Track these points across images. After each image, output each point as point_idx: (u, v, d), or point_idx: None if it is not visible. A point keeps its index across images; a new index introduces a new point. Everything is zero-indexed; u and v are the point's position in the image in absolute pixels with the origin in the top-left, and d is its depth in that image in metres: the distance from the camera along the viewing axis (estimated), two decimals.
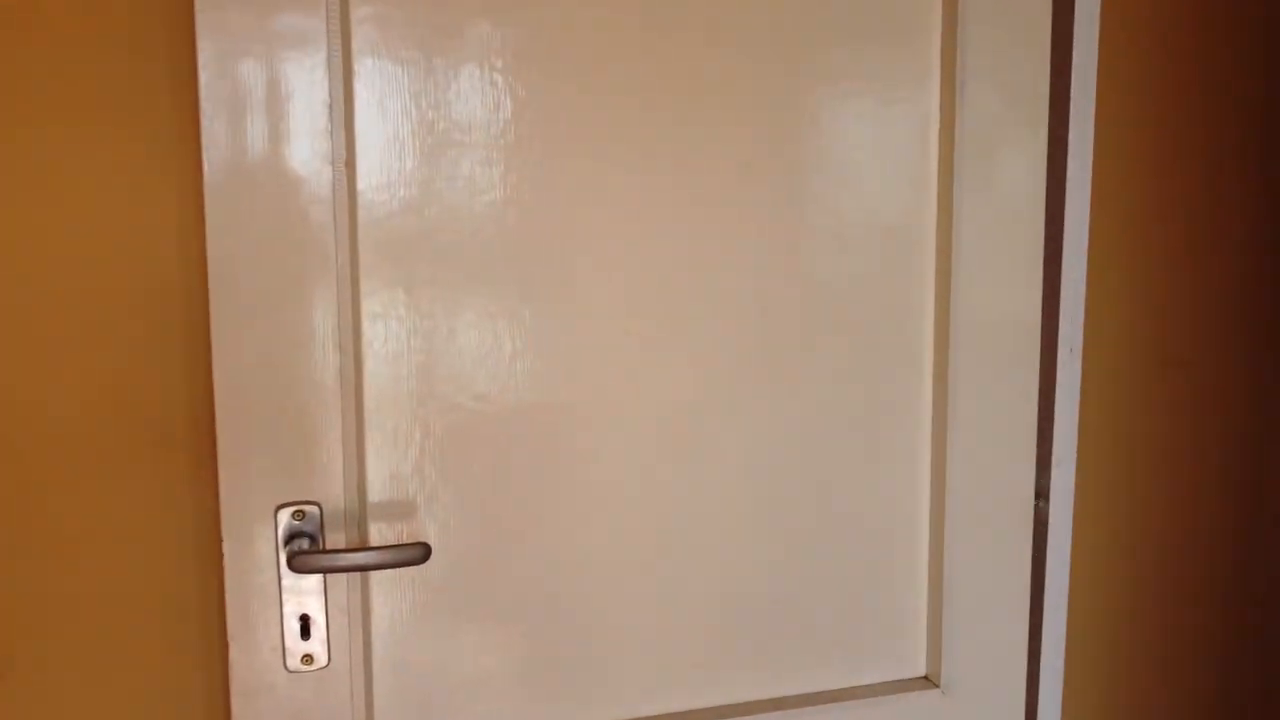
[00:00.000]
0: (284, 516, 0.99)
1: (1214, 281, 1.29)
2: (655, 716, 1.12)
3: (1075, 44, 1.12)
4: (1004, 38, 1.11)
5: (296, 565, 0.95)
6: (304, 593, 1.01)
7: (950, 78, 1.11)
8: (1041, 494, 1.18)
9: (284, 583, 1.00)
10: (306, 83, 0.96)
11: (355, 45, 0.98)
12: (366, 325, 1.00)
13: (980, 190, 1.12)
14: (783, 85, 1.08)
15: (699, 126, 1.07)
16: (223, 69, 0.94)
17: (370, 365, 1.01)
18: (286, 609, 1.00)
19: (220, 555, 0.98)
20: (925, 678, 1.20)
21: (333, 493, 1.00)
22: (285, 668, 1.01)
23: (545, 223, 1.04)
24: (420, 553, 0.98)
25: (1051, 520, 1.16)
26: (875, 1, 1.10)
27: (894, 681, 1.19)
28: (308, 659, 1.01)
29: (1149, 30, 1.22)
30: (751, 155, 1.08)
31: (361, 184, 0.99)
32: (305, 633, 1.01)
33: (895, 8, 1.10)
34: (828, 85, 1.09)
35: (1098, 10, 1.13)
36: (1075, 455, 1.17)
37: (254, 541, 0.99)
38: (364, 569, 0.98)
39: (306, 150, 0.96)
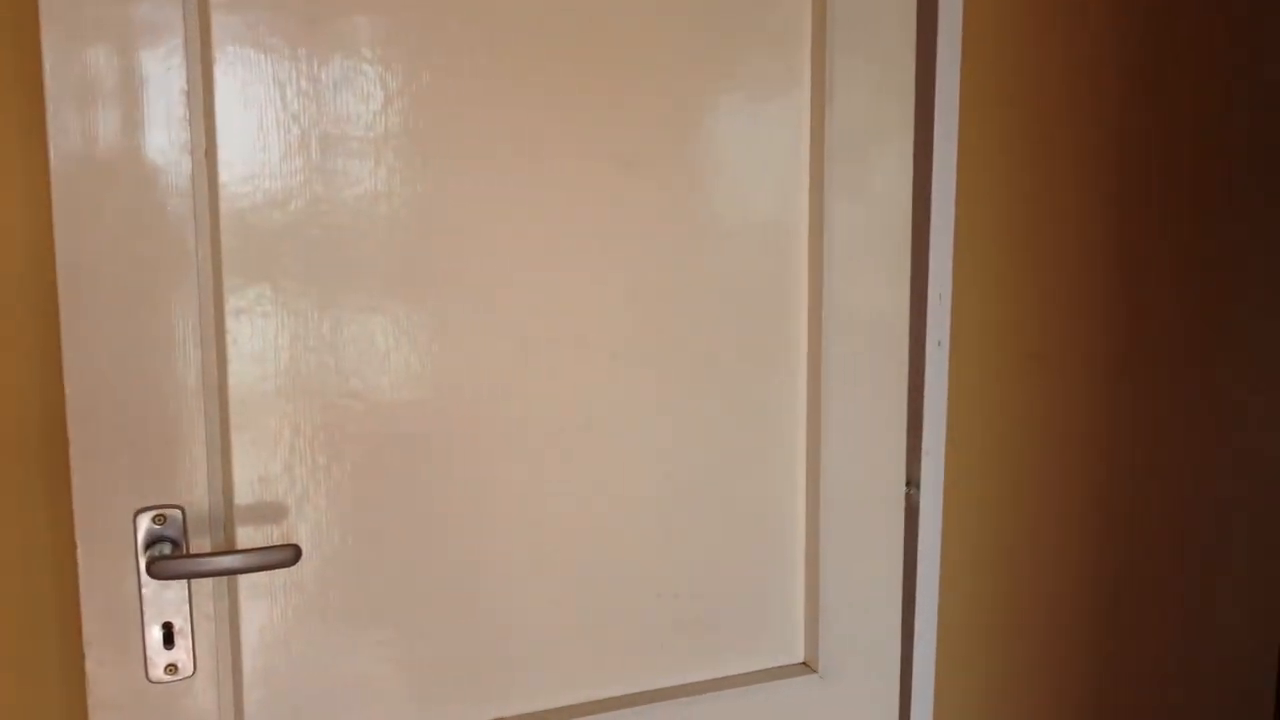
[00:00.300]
0: (144, 521, 0.95)
1: (1074, 279, 1.35)
2: (535, 713, 1.11)
3: (939, 48, 1.16)
4: (870, 42, 1.13)
5: (156, 571, 0.92)
6: (167, 600, 0.97)
7: (820, 81, 1.12)
8: (912, 482, 1.21)
9: (145, 590, 0.96)
10: (162, 69, 0.92)
11: (215, 31, 0.94)
12: (231, 322, 0.97)
13: (850, 190, 1.14)
14: (663, 84, 1.09)
15: (578, 122, 1.06)
16: (70, 54, 0.89)
17: (235, 363, 0.97)
18: (147, 617, 0.96)
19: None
20: (804, 663, 1.22)
21: (196, 496, 0.96)
22: (147, 678, 0.97)
23: (419, 217, 1.02)
24: (290, 555, 0.95)
25: (922, 507, 1.20)
26: (750, 5, 1.11)
27: (773, 668, 1.20)
28: (171, 668, 0.98)
29: (1011, 33, 1.27)
30: (631, 152, 1.08)
31: (224, 175, 0.96)
32: (169, 641, 0.97)
33: (769, 12, 1.12)
34: (706, 85, 1.10)
35: (960, 16, 1.17)
36: (944, 444, 1.21)
37: (112, 548, 0.94)
38: (229, 573, 0.95)
39: (163, 140, 0.93)
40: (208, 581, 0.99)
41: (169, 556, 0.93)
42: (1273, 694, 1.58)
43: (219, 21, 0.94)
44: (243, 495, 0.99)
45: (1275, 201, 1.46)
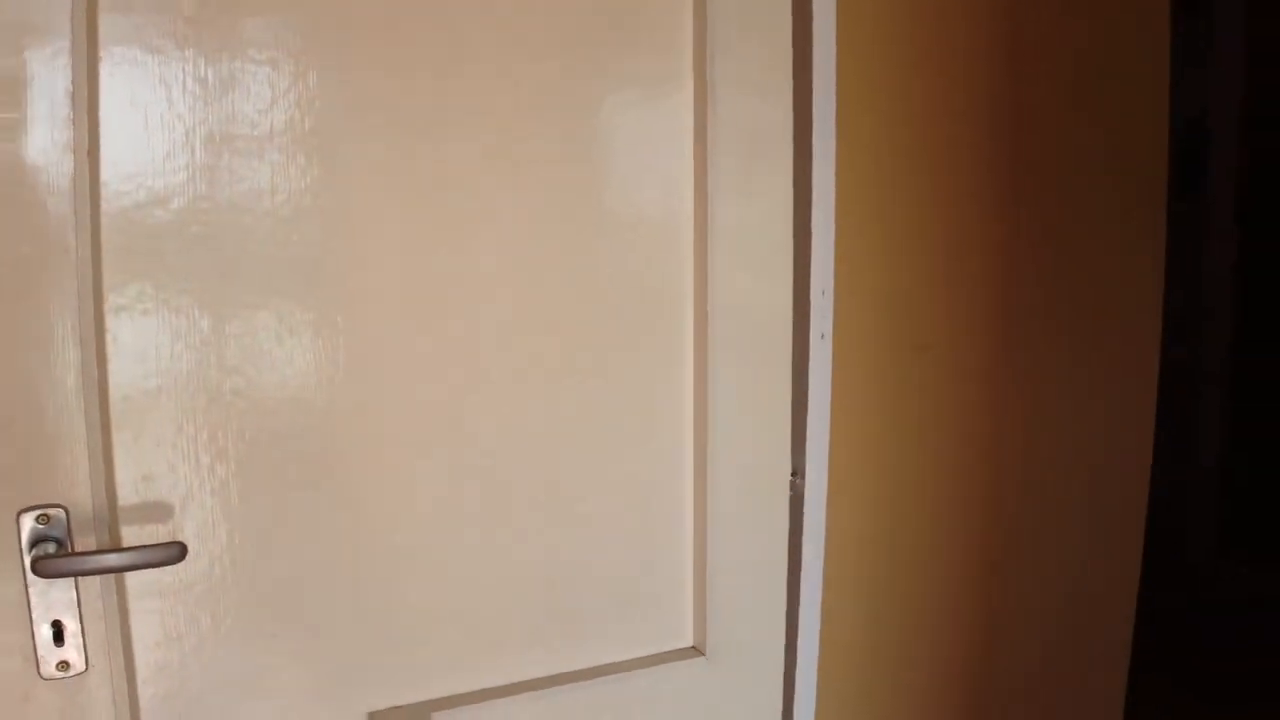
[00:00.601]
0: (27, 521, 0.95)
1: (959, 273, 1.39)
2: (427, 701, 1.13)
3: (815, 46, 1.18)
4: (749, 43, 1.16)
5: (41, 569, 0.92)
6: (55, 598, 0.97)
7: (702, 79, 1.15)
8: (797, 471, 1.24)
9: (31, 589, 0.96)
10: (48, 70, 0.92)
11: (102, 32, 0.95)
12: (111, 320, 0.97)
13: (733, 187, 1.17)
14: (552, 82, 1.10)
15: (465, 118, 1.07)
16: None
17: (116, 362, 0.98)
18: (36, 615, 0.96)
19: None
20: (693, 647, 1.24)
21: (79, 495, 0.96)
22: (40, 675, 0.97)
23: (304, 216, 1.03)
24: (176, 552, 0.96)
25: (807, 495, 1.23)
26: (636, 4, 1.13)
27: (663, 653, 1.23)
28: (63, 665, 0.98)
29: (886, 33, 1.30)
30: (520, 150, 1.10)
31: (106, 174, 0.96)
32: (59, 639, 0.98)
33: (653, 11, 1.14)
34: (595, 84, 1.12)
35: (833, 15, 1.20)
36: (828, 433, 1.25)
37: None
38: (114, 570, 0.95)
39: (45, 140, 0.93)
40: (96, 580, 0.99)
41: (53, 555, 0.93)
42: (1129, 651, 1.66)
43: (107, 21, 0.95)
44: (127, 494, 0.99)
45: (1139, 202, 1.53)
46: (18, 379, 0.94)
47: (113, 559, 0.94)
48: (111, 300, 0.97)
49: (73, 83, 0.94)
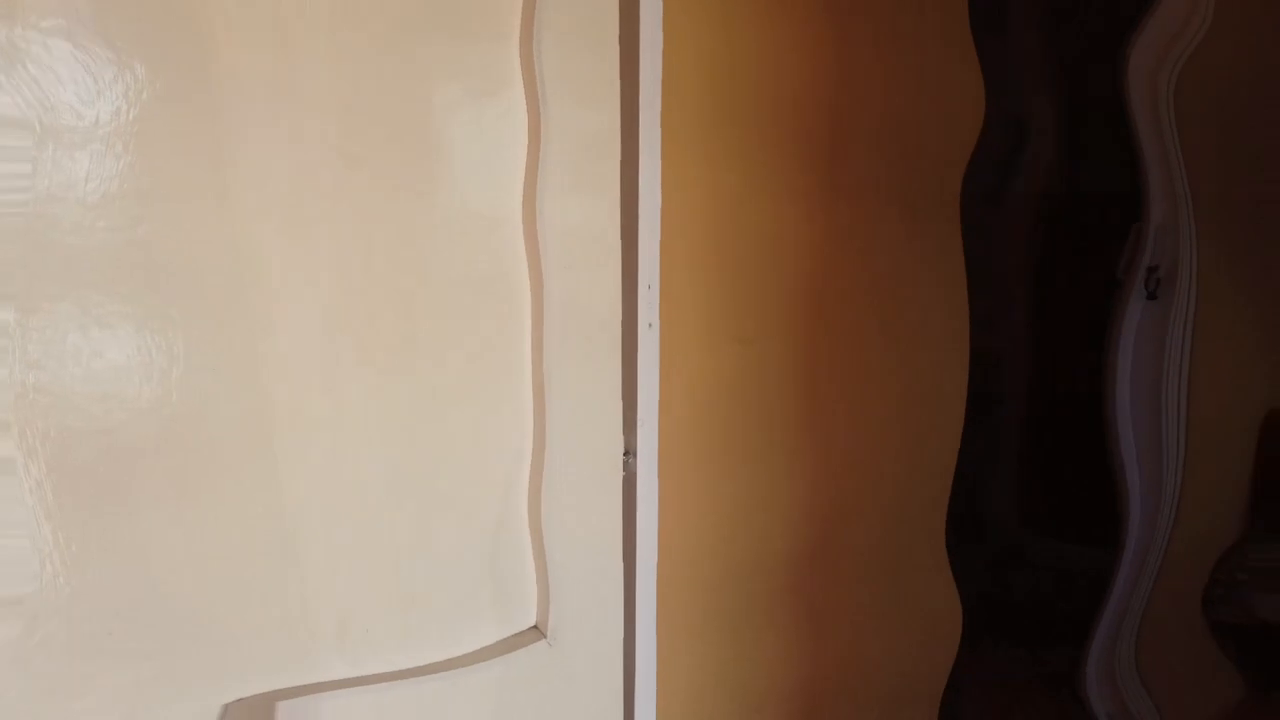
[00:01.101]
0: None
1: (778, 274, 1.50)
2: (273, 692, 1.12)
3: (642, 50, 1.25)
4: (577, 44, 1.22)
5: None
6: None
7: (531, 78, 1.20)
8: (630, 451, 1.30)
9: None
10: None
11: None
12: None
13: (564, 185, 1.22)
14: (388, 81, 1.12)
15: (298, 114, 1.08)
16: None
17: None
18: None
19: None
20: (535, 628, 1.28)
21: None
22: None
23: (131, 213, 1.01)
24: None
25: (639, 473, 1.29)
26: (471, 5, 1.17)
27: (506, 639, 1.26)
28: None
29: (711, 41, 1.39)
30: (354, 147, 1.12)
31: None
32: None
33: (487, 13, 1.18)
34: (430, 84, 1.15)
35: (659, 15, 1.27)
36: (657, 416, 1.31)
37: None
38: None
39: None
40: None
41: None
42: (960, 625, 1.80)
43: None
44: None
45: (943, 206, 1.68)
46: None
47: None
48: None
49: None
